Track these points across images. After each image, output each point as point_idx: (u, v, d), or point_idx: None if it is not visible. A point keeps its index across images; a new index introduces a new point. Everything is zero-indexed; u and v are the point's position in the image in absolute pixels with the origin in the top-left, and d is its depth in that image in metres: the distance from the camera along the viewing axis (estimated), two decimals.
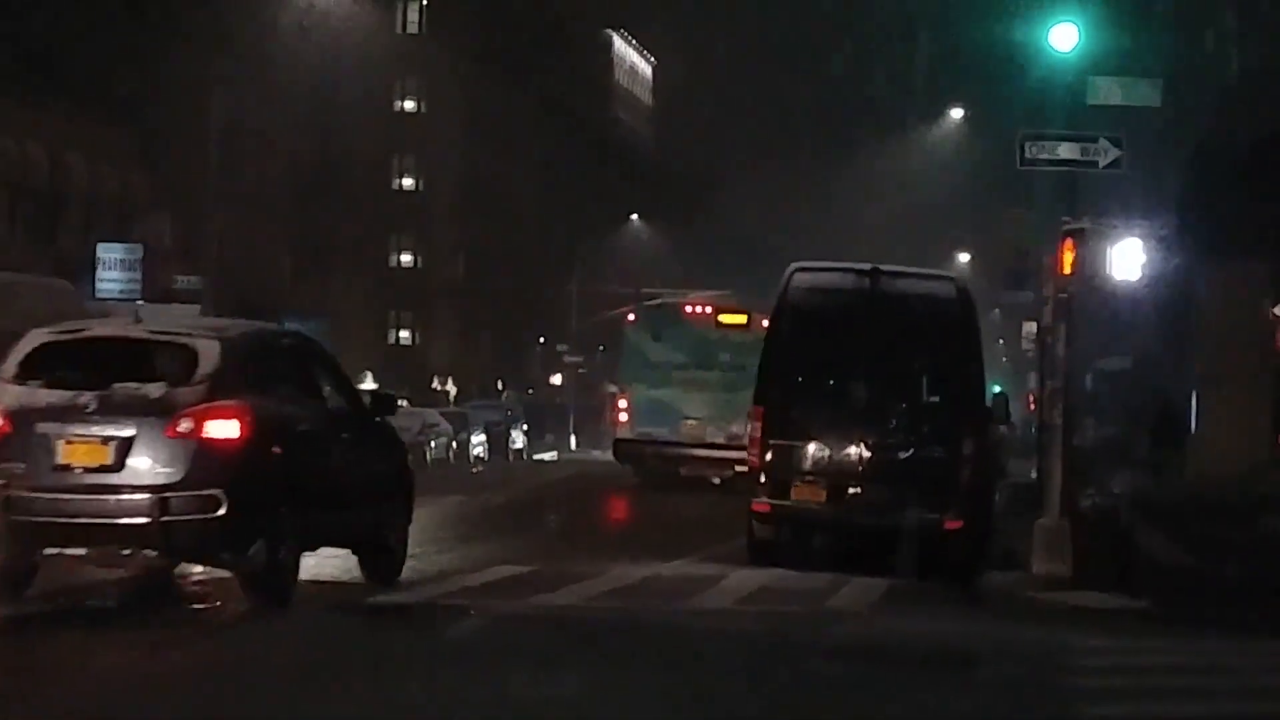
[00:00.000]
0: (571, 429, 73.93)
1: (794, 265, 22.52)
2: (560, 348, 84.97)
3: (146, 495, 14.44)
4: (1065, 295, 21.40)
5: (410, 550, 18.28)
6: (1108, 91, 21.27)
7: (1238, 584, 21.28)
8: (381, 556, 17.36)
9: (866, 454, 20.93)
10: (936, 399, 21.43)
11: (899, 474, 20.87)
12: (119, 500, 14.48)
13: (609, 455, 42.24)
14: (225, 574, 15.70)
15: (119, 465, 14.50)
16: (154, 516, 14.42)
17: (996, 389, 28.23)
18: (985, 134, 69.87)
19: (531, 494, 36.68)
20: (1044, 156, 21.15)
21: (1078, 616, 17.62)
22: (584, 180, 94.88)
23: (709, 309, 39.77)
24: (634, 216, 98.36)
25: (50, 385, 14.88)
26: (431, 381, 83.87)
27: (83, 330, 15.98)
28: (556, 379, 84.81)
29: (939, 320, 21.59)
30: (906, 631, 15.90)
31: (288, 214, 67.36)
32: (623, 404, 39.22)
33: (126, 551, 14.79)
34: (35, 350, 15.28)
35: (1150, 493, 26.87)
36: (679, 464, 37.28)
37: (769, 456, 21.23)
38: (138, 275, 52.57)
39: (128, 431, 14.51)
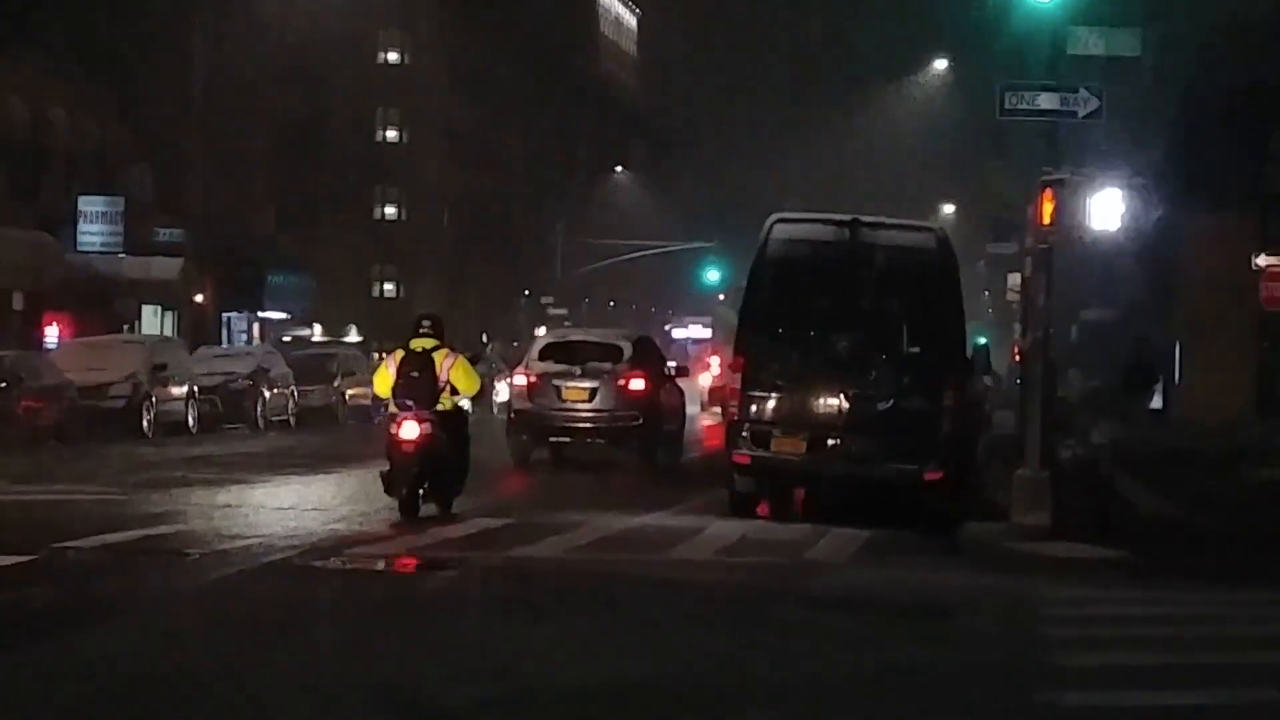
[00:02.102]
0: None
1: (774, 216, 22.44)
2: (545, 299, 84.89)
3: (605, 414, 29.00)
4: (1045, 246, 21.36)
5: (393, 504, 19.64)
6: (1088, 41, 21.18)
7: (1218, 534, 21.35)
8: (674, 451, 30.76)
9: (846, 405, 20.88)
10: (917, 350, 21.33)
11: (879, 425, 20.82)
12: (591, 416, 29.11)
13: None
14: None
15: (591, 400, 29.09)
16: (609, 424, 29.07)
17: (980, 340, 28.23)
18: (969, 85, 69.77)
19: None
20: (1023, 107, 21.08)
21: (1057, 567, 17.63)
22: (569, 132, 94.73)
23: None
24: (619, 168, 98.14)
25: (556, 362, 29.61)
26: None
27: (568, 336, 32.42)
28: (541, 331, 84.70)
29: (919, 271, 21.50)
30: (885, 582, 15.92)
31: (270, 167, 67.11)
32: (714, 361, 53.24)
33: (589, 440, 29.60)
34: (546, 345, 30.71)
35: (1131, 443, 26.88)
36: None
37: (749, 408, 21.21)
38: (119, 228, 52.36)
39: (595, 385, 29.12)
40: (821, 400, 20.94)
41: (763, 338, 21.51)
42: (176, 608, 13.29)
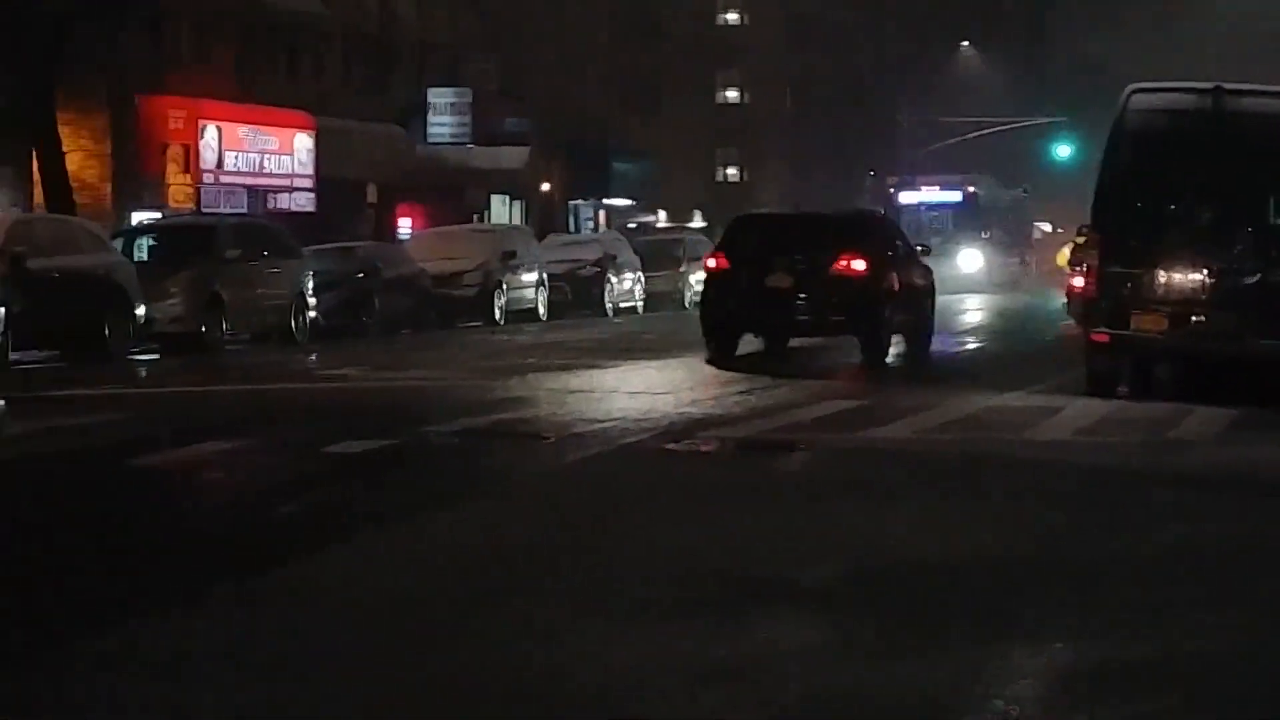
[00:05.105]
0: None
1: (1131, 87, 21.65)
2: (890, 179, 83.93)
3: None
4: None
5: (744, 387, 20.06)
6: None
7: None
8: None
9: (1210, 280, 20.11)
10: None
11: (1245, 300, 20.03)
12: None
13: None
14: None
15: None
16: None
17: None
18: None
19: None
20: None
21: None
22: (913, 6, 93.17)
23: None
24: (965, 43, 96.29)
25: None
26: None
27: None
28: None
29: None
30: (1254, 460, 15.31)
31: (611, 54, 67.46)
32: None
33: None
34: None
35: None
36: None
37: (1108, 285, 20.59)
38: (467, 119, 53.31)
39: None
40: (1184, 275, 20.20)
41: (1121, 212, 20.81)
42: (534, 489, 13.41)
